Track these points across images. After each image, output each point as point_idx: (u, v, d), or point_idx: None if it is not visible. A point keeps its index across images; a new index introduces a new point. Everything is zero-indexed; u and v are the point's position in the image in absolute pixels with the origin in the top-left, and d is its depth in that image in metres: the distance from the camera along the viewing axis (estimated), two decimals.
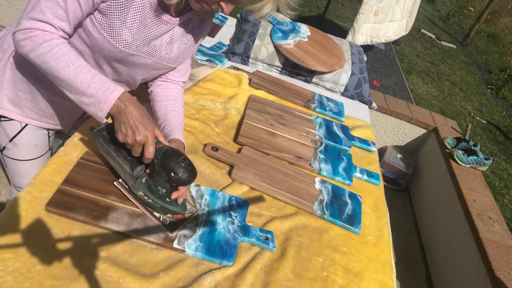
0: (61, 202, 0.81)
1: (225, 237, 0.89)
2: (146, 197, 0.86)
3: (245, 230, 0.92)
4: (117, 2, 0.77)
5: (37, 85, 0.92)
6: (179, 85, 1.09)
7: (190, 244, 0.84)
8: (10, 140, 1.00)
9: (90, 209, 0.82)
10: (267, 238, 0.93)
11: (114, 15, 0.78)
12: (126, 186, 0.88)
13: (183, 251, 0.83)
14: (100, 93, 0.76)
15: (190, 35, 0.96)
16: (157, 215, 0.87)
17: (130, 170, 0.83)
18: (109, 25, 0.80)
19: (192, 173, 0.81)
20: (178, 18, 0.88)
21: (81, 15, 0.77)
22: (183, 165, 0.79)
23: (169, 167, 0.78)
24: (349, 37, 3.11)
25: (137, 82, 1.02)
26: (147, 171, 0.86)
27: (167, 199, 0.85)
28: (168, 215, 0.87)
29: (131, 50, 0.85)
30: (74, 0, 0.73)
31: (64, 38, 0.79)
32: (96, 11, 0.78)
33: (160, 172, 0.81)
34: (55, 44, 0.74)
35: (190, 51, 1.00)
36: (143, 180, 0.86)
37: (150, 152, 0.79)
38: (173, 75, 1.06)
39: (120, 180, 0.89)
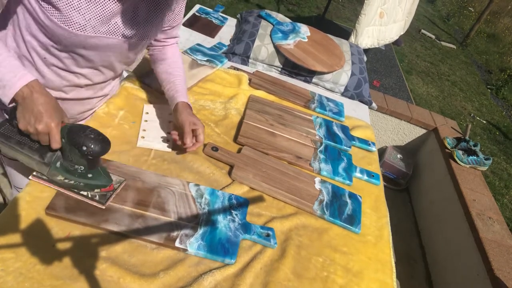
0: (61, 205, 0.81)
1: (227, 235, 0.89)
2: (66, 180, 0.84)
3: (246, 227, 0.92)
4: None
5: None
6: (173, 45, 1.12)
7: (192, 243, 0.84)
8: None
9: (90, 212, 0.82)
10: (268, 235, 0.93)
11: None
12: (44, 177, 0.85)
13: (185, 250, 0.83)
14: (7, 78, 0.73)
15: (158, 5, 0.90)
16: (84, 193, 0.85)
17: (40, 158, 0.80)
18: (57, 10, 0.75)
19: (103, 141, 0.79)
20: None
21: None
22: (92, 136, 0.77)
23: (78, 142, 0.76)
24: (352, 39, 3.10)
25: (116, 66, 0.97)
26: (58, 154, 0.83)
27: (88, 175, 0.83)
28: (96, 190, 0.86)
29: (87, 32, 0.80)
30: None
31: None
32: None
33: (71, 150, 0.78)
34: None
35: (164, 18, 0.95)
36: (57, 164, 0.83)
37: (55, 141, 0.75)
38: (163, 38, 1.08)
39: (34, 173, 0.86)
